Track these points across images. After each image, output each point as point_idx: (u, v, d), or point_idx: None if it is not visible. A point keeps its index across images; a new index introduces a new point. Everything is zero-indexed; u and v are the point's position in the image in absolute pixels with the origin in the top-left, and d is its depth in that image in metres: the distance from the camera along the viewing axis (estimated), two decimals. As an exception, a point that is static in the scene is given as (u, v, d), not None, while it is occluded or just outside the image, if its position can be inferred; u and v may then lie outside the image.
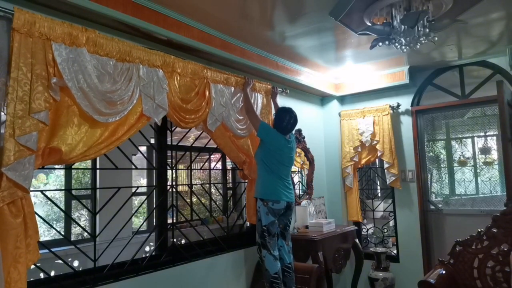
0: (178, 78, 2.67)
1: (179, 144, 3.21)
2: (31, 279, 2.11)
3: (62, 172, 5.37)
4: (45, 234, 5.30)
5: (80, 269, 2.76)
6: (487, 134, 4.55)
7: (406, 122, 4.40)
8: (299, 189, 4.32)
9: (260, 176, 2.94)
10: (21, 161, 1.82)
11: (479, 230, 2.93)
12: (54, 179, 6.17)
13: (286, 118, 3.01)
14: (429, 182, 4.42)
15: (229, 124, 3.02)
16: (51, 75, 1.94)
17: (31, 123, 1.83)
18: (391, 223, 4.58)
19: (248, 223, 3.60)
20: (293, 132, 3.20)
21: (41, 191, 3.17)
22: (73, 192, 5.31)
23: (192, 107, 2.74)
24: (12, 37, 1.84)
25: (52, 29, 1.97)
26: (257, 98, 3.37)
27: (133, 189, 3.12)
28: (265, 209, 2.84)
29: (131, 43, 2.39)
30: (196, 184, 3.85)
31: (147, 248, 5.00)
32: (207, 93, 2.84)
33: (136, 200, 6.33)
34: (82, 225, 5.37)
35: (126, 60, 2.32)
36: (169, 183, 2.93)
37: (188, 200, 3.54)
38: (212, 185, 3.74)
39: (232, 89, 3.10)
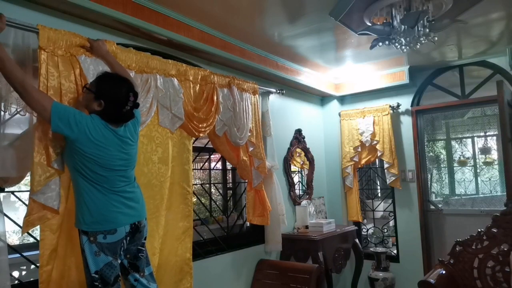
0: (191, 86, 2.71)
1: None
2: (32, 279, 2.11)
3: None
4: (45, 234, 5.30)
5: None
6: (487, 134, 4.55)
7: (406, 122, 4.40)
8: (299, 189, 4.31)
9: (79, 193, 1.82)
10: (49, 183, 1.85)
11: (479, 230, 2.93)
12: (54, 179, 6.16)
13: (122, 91, 1.84)
14: (429, 182, 4.42)
15: (231, 131, 3.03)
16: (80, 90, 1.97)
17: (61, 144, 1.86)
18: (391, 223, 4.58)
19: (248, 223, 3.60)
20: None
21: (41, 191, 3.17)
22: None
23: (203, 115, 2.78)
24: (39, 55, 1.86)
25: (75, 43, 2.01)
26: (245, 101, 3.19)
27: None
28: (92, 247, 1.77)
29: (146, 54, 2.43)
30: (196, 184, 3.85)
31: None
32: (215, 98, 2.88)
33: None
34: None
35: (144, 71, 2.36)
36: (169, 183, 2.91)
37: (188, 200, 3.57)
38: (212, 185, 3.74)
39: (236, 90, 3.10)
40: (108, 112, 1.82)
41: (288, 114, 4.14)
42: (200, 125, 2.76)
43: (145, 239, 2.03)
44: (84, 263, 1.80)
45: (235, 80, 3.10)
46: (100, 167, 1.80)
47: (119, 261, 1.89)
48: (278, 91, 3.69)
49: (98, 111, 1.82)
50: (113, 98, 1.82)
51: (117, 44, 2.35)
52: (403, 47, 2.65)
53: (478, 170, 4.58)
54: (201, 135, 2.82)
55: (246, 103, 3.19)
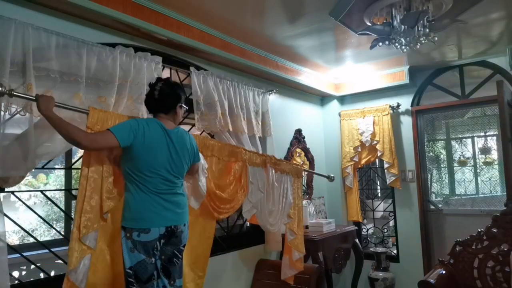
0: (215, 161, 2.58)
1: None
2: (31, 279, 2.11)
3: (62, 172, 5.37)
4: (45, 234, 5.31)
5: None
6: (487, 134, 4.55)
7: (406, 122, 4.40)
8: (299, 189, 4.31)
9: (126, 191, 1.97)
10: (81, 261, 1.90)
11: (479, 230, 2.94)
12: (54, 179, 6.17)
13: (157, 85, 2.06)
14: (429, 182, 4.42)
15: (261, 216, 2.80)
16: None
17: (98, 223, 1.95)
18: (391, 223, 4.58)
19: (248, 223, 3.60)
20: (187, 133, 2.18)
21: (41, 191, 3.18)
22: (73, 192, 5.31)
23: (227, 195, 2.57)
24: None
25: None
26: (284, 184, 2.87)
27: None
28: (128, 243, 1.87)
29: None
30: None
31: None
32: (243, 178, 2.66)
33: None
34: (82, 225, 5.34)
35: None
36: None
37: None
38: (212, 185, 3.74)
39: (273, 171, 2.83)
40: (149, 104, 2.11)
41: (288, 114, 4.14)
42: (222, 206, 2.54)
43: (183, 246, 2.07)
44: (123, 257, 1.89)
45: (272, 159, 2.80)
46: (148, 166, 1.92)
47: (153, 260, 1.93)
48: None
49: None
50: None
51: (117, 44, 2.36)
52: (403, 47, 2.65)
53: (478, 170, 4.58)
54: (221, 217, 2.59)
55: (285, 186, 2.86)
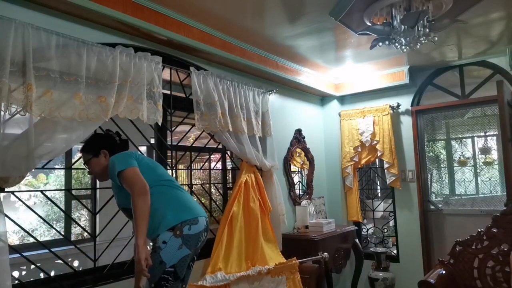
0: None
1: (179, 144, 3.21)
2: (31, 279, 2.11)
3: (62, 172, 5.38)
4: (45, 234, 5.31)
5: (80, 269, 2.76)
6: (487, 134, 4.55)
7: (406, 122, 4.40)
8: (299, 189, 4.32)
9: (156, 202, 1.95)
10: None
11: (479, 230, 2.94)
12: (54, 179, 6.17)
13: (105, 134, 2.28)
14: (429, 182, 4.42)
15: None
16: None
17: None
18: (391, 223, 4.58)
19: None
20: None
21: (41, 191, 3.18)
22: (73, 192, 5.31)
23: None
24: None
25: None
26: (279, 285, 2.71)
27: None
28: (177, 241, 1.86)
29: None
30: (196, 184, 3.85)
31: (147, 248, 4.98)
32: None
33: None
34: (82, 225, 5.37)
35: None
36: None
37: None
38: (212, 185, 3.74)
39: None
40: (113, 148, 2.17)
41: (288, 114, 4.14)
42: None
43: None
44: (157, 261, 1.86)
45: (262, 273, 2.69)
46: (155, 168, 2.15)
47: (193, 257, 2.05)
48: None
49: (108, 157, 2.13)
50: (106, 140, 2.20)
51: (117, 44, 2.36)
52: (403, 47, 2.65)
53: (478, 170, 4.58)
54: None
55: None
